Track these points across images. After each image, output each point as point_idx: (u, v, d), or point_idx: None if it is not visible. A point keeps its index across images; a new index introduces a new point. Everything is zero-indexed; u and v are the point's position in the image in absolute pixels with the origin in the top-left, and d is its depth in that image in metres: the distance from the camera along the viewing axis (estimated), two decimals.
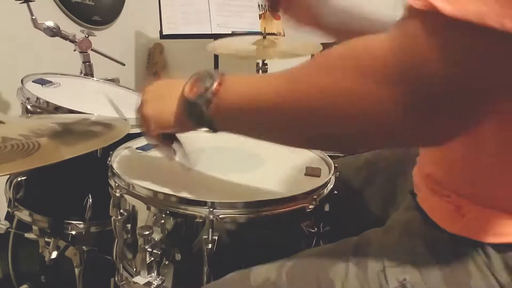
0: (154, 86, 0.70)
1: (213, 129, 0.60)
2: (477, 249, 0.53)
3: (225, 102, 0.55)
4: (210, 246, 0.70)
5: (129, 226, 0.79)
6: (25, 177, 1.06)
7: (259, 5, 2.08)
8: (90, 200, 1.02)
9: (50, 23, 1.31)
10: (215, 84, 0.55)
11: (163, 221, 0.74)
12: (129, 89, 1.33)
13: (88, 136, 0.83)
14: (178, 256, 0.76)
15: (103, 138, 0.82)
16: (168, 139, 0.72)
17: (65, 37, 1.34)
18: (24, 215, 1.06)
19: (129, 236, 0.79)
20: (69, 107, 1.01)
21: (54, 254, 1.05)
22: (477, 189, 0.54)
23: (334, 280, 0.59)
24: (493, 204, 0.53)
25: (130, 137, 0.92)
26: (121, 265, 0.83)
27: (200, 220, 0.71)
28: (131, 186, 0.77)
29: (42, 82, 1.17)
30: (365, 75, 0.43)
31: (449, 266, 0.54)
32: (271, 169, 0.89)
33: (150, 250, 0.72)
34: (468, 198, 0.55)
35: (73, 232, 1.05)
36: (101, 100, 1.22)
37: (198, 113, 0.57)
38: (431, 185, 0.60)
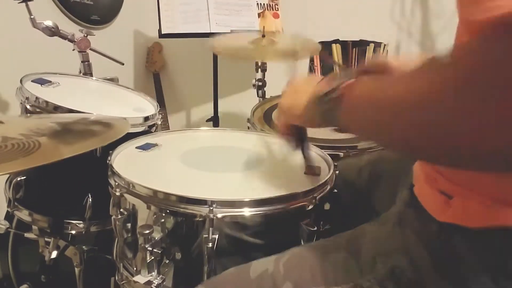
0: (297, 81, 0.74)
1: (338, 125, 0.61)
2: (464, 235, 0.54)
3: (350, 98, 0.56)
4: (210, 245, 0.70)
5: (129, 225, 0.79)
6: (24, 177, 1.06)
7: (257, 4, 2.08)
8: (90, 200, 1.03)
9: (48, 23, 1.30)
10: (346, 81, 0.57)
11: (163, 220, 0.74)
12: (128, 88, 1.33)
13: (87, 135, 0.83)
14: (178, 255, 0.76)
15: (103, 137, 0.82)
16: (296, 132, 0.77)
17: (63, 37, 1.34)
18: (23, 215, 1.06)
19: (129, 235, 0.79)
20: (68, 107, 1.01)
21: (54, 254, 1.05)
22: (468, 175, 0.55)
23: (327, 267, 0.62)
24: (481, 189, 0.54)
25: (129, 136, 0.93)
26: (121, 264, 0.83)
27: (200, 219, 0.72)
28: (131, 185, 0.77)
29: (41, 81, 1.17)
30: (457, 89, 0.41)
31: (439, 253, 0.57)
32: (270, 168, 0.89)
33: (151, 249, 0.72)
34: (459, 184, 0.56)
35: (73, 232, 1.05)
36: (100, 99, 1.22)
37: (325, 107, 0.60)
38: (427, 172, 0.62)
